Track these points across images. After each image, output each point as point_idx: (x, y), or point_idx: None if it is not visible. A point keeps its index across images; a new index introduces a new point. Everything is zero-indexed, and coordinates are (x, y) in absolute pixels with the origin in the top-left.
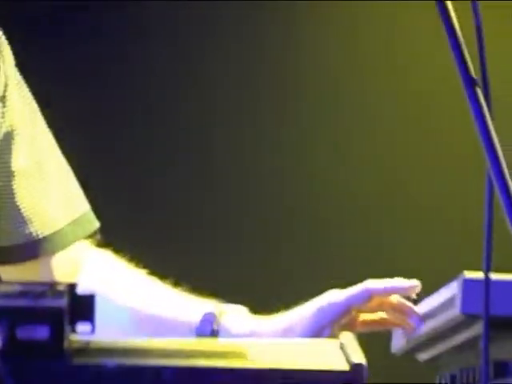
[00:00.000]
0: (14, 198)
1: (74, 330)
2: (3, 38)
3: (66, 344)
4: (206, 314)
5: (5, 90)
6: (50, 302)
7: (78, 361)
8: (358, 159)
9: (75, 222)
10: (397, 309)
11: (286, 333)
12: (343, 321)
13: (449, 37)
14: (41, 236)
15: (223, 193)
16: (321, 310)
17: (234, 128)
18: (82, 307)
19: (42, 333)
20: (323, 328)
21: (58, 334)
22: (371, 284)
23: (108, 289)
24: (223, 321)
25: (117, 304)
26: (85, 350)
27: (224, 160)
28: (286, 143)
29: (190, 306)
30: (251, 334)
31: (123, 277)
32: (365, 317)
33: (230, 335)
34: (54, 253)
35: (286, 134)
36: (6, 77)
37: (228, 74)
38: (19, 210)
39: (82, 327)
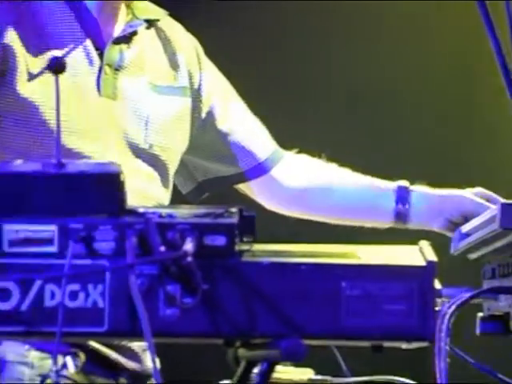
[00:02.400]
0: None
1: (241, 240)
2: (199, 47)
3: (236, 248)
4: (399, 183)
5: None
6: (226, 220)
7: (244, 259)
8: None
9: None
10: None
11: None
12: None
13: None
14: (262, 157)
15: None
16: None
17: None
18: (247, 224)
19: (220, 241)
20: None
21: (231, 242)
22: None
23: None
24: (413, 188)
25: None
26: (249, 252)
27: None
28: None
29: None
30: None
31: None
32: None
33: (423, 196)
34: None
35: None
36: (210, 85)
37: None
38: (245, 144)
39: (247, 237)
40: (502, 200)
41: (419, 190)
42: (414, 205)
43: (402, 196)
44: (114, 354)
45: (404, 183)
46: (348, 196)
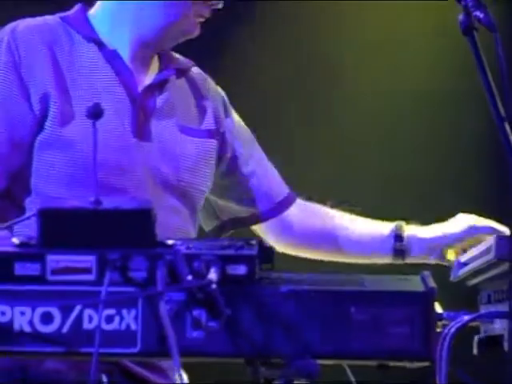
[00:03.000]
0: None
1: (261, 268)
2: (225, 96)
3: (256, 277)
4: (394, 225)
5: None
6: (246, 252)
7: (263, 287)
8: None
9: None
10: None
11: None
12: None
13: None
14: (278, 200)
15: None
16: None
17: None
18: (266, 254)
19: (241, 270)
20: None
21: (251, 271)
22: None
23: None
24: (407, 229)
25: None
26: (267, 280)
27: None
28: None
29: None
30: (431, 235)
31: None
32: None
33: (416, 238)
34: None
35: None
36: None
37: None
38: (263, 187)
39: (266, 266)
40: (493, 224)
41: (413, 230)
42: (409, 244)
43: (399, 236)
44: (144, 372)
45: (400, 223)
46: (350, 242)
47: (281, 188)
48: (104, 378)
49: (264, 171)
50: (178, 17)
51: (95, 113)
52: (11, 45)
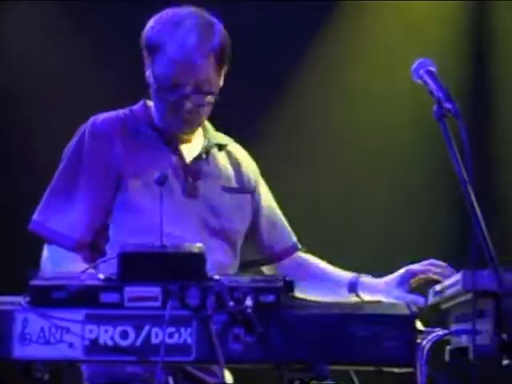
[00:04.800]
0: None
1: (285, 297)
2: (256, 166)
3: (282, 303)
4: (354, 275)
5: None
6: (274, 284)
7: (288, 311)
8: None
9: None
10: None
11: (388, 287)
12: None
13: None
14: (286, 246)
15: None
16: (404, 274)
17: None
18: (289, 286)
19: (271, 298)
20: (404, 283)
21: (278, 299)
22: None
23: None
24: (362, 279)
25: (316, 272)
26: (291, 306)
27: None
28: None
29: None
30: (374, 286)
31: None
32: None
33: (365, 285)
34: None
35: None
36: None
37: None
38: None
39: (291, 294)
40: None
41: (364, 280)
42: (361, 288)
43: (353, 284)
44: (200, 374)
45: (356, 275)
46: (324, 286)
47: (290, 235)
48: (170, 380)
49: (278, 221)
50: (165, 112)
51: (161, 181)
52: (92, 134)
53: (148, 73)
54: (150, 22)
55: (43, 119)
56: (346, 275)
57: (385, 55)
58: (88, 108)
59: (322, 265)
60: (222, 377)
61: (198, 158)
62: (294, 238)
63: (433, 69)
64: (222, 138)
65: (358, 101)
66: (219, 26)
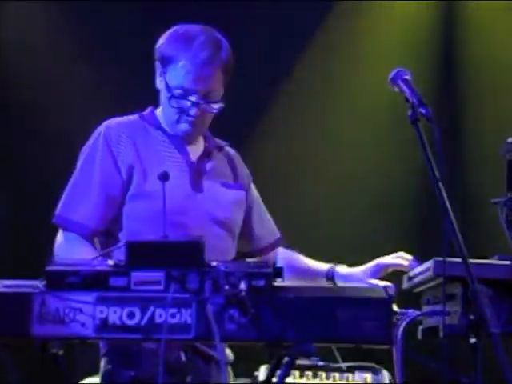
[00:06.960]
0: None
1: (275, 281)
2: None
3: (271, 287)
4: (330, 266)
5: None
6: (265, 270)
7: (277, 294)
8: None
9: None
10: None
11: (363, 276)
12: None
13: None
14: (271, 240)
15: None
16: (377, 265)
17: None
18: (278, 272)
19: (262, 283)
20: (376, 273)
21: (268, 283)
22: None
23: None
24: (338, 268)
25: (296, 264)
26: (279, 288)
27: None
28: None
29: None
30: (349, 275)
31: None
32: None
33: (341, 274)
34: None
35: None
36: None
37: None
38: (259, 228)
39: (278, 279)
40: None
41: (340, 270)
42: (338, 277)
43: (330, 274)
44: (209, 350)
45: (332, 265)
46: (303, 276)
47: (275, 230)
48: (182, 356)
49: (266, 220)
50: (175, 117)
51: (163, 177)
52: (106, 136)
53: (159, 81)
54: (164, 37)
55: (43, 119)
56: (324, 266)
57: (385, 55)
58: (88, 107)
59: (302, 257)
60: (221, 353)
61: (201, 158)
62: (279, 234)
63: (408, 77)
64: (218, 142)
65: (358, 101)
66: (225, 43)
